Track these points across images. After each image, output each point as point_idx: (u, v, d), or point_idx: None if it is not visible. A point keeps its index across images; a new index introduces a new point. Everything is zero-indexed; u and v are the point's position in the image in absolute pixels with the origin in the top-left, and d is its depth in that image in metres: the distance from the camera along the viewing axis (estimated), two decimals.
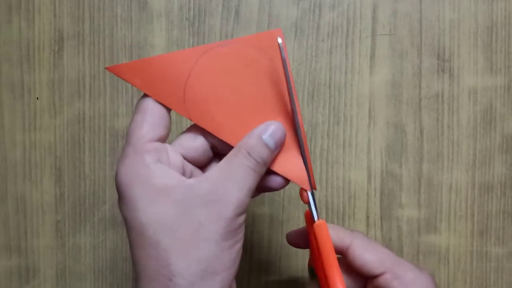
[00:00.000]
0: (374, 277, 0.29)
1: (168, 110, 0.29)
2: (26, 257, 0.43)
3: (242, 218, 0.26)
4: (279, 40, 0.28)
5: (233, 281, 0.27)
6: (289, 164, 0.29)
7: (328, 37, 0.42)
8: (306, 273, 0.42)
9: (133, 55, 0.42)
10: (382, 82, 0.41)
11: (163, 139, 0.28)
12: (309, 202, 0.29)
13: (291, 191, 0.41)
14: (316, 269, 0.30)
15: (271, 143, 0.28)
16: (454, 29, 0.41)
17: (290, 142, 0.29)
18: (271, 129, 0.28)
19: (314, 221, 0.29)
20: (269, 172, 0.29)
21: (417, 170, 0.41)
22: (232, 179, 0.26)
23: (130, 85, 0.42)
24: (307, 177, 0.29)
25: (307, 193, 0.29)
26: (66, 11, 0.42)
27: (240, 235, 0.27)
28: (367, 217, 0.41)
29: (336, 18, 0.42)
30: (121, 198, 0.27)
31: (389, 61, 0.41)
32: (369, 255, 0.29)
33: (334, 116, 0.42)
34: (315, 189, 0.30)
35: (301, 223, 0.41)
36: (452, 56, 0.41)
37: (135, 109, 0.28)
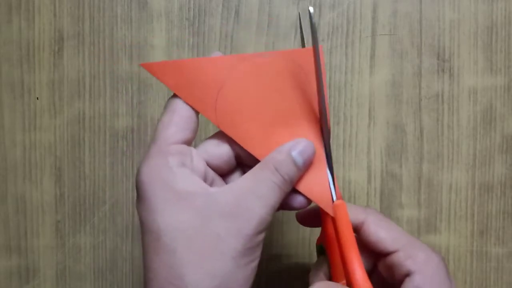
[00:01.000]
0: (387, 254, 0.28)
1: (197, 113, 0.28)
2: (26, 257, 0.43)
3: (262, 236, 0.26)
4: (311, 10, 0.26)
5: None
6: (314, 184, 0.28)
7: (328, 37, 0.42)
8: (307, 274, 0.42)
9: (133, 55, 0.42)
10: (382, 82, 0.41)
11: (189, 142, 0.28)
12: (329, 182, 0.29)
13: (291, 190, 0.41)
14: (327, 247, 0.30)
15: (300, 161, 0.27)
16: (454, 29, 0.41)
17: (316, 160, 0.28)
18: (302, 146, 0.27)
19: (332, 200, 0.29)
20: (291, 190, 0.28)
21: (417, 170, 0.41)
22: (256, 194, 0.25)
23: (130, 85, 0.42)
24: (331, 200, 0.28)
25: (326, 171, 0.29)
26: (66, 11, 0.42)
27: (258, 253, 0.26)
28: None
29: (336, 18, 0.42)
30: (140, 198, 0.26)
31: (389, 61, 0.41)
32: (383, 232, 0.29)
33: (334, 116, 0.42)
34: (340, 199, 0.29)
35: None
36: (452, 56, 0.41)
37: (164, 109, 0.28)
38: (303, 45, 0.31)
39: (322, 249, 0.31)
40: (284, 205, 0.28)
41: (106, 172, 0.42)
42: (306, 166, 0.28)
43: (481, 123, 0.41)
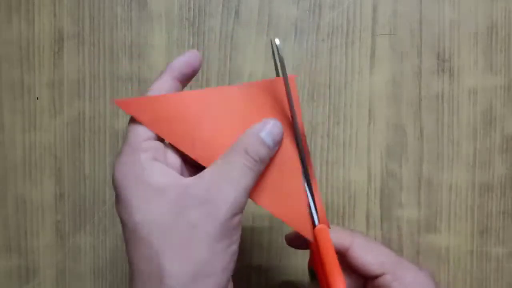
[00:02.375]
0: (374, 277, 0.29)
1: None
2: (26, 257, 0.43)
3: (237, 218, 0.26)
4: (277, 42, 0.27)
5: (229, 283, 0.26)
6: (293, 211, 0.28)
7: (328, 37, 0.42)
8: (306, 274, 0.42)
9: (133, 55, 0.42)
10: (382, 82, 0.41)
11: (162, 138, 0.28)
12: (309, 206, 0.29)
13: None
14: (316, 270, 0.30)
15: (269, 141, 0.27)
16: (454, 29, 0.41)
17: (293, 184, 0.29)
18: (270, 126, 0.28)
19: (314, 225, 0.29)
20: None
21: (417, 170, 0.41)
22: (227, 178, 0.26)
23: (130, 85, 0.42)
24: (310, 225, 0.29)
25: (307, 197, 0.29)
26: (66, 11, 0.42)
27: (235, 237, 0.26)
28: (367, 217, 0.41)
29: (336, 18, 0.42)
30: (117, 197, 0.27)
31: (389, 61, 0.41)
32: (369, 256, 0.29)
33: (334, 116, 0.42)
34: (329, 227, 0.29)
35: None
36: (452, 56, 0.41)
37: None
38: (277, 72, 0.32)
39: (313, 272, 0.31)
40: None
41: (106, 172, 0.42)
42: (277, 145, 0.28)
43: (481, 123, 0.41)
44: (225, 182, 0.25)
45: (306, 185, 0.29)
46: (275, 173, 0.28)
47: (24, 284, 0.43)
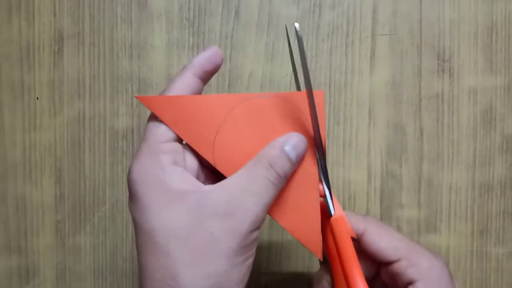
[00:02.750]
0: (389, 263, 0.28)
1: None
2: (26, 257, 0.42)
3: (256, 234, 0.25)
4: (297, 26, 0.26)
5: None
6: (303, 224, 0.28)
7: (328, 37, 0.42)
8: (306, 274, 0.42)
9: (133, 55, 0.42)
10: (382, 82, 0.41)
11: (181, 140, 0.27)
12: (325, 196, 0.29)
13: None
14: (328, 257, 0.30)
15: (293, 156, 0.27)
16: (454, 29, 0.41)
17: (309, 201, 0.28)
18: (294, 140, 0.27)
19: (330, 215, 0.29)
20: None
21: (417, 170, 0.41)
22: (250, 192, 0.25)
23: (130, 85, 0.42)
24: (320, 243, 0.28)
25: (323, 186, 0.29)
26: (66, 11, 0.42)
27: (253, 251, 0.26)
28: None
29: (336, 18, 0.42)
30: (133, 198, 0.26)
31: (389, 61, 0.41)
32: (383, 241, 0.28)
33: (334, 116, 0.42)
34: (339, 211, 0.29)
35: None
36: (452, 56, 0.41)
37: None
38: (292, 63, 0.31)
39: (324, 258, 0.31)
40: None
41: (106, 172, 0.42)
42: (298, 162, 0.27)
43: (481, 123, 0.41)
44: (247, 195, 0.25)
45: (322, 176, 0.29)
46: (293, 188, 0.28)
47: (24, 284, 0.43)
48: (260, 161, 0.26)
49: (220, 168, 0.27)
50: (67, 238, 0.42)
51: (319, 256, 0.28)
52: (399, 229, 0.41)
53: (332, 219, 0.28)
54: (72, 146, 0.42)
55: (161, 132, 0.26)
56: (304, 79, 0.27)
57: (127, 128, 0.42)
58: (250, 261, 0.25)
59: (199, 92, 0.28)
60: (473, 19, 0.41)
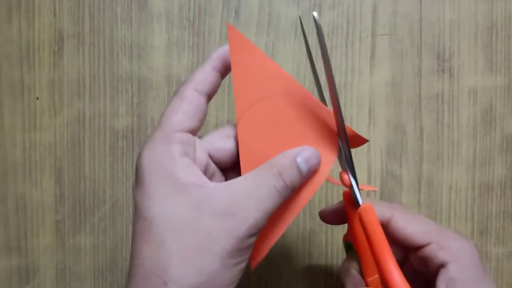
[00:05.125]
0: (419, 248, 0.28)
1: (207, 102, 0.28)
2: (26, 257, 0.43)
3: (253, 239, 0.25)
4: (315, 16, 0.26)
5: None
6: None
7: (328, 37, 0.42)
8: (306, 273, 0.42)
9: (133, 55, 0.42)
10: (382, 82, 0.41)
11: (195, 132, 0.27)
12: (351, 186, 0.29)
13: None
14: (355, 244, 0.30)
15: (304, 169, 0.27)
16: (454, 29, 0.41)
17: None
18: (307, 154, 0.27)
19: (358, 205, 0.28)
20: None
21: (417, 170, 0.41)
22: (254, 196, 0.25)
23: (130, 85, 0.42)
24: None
25: (348, 176, 0.29)
26: (66, 11, 0.42)
27: (247, 256, 0.26)
28: None
29: (336, 18, 0.42)
30: (138, 182, 0.25)
31: (389, 61, 0.41)
32: (412, 226, 0.28)
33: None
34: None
35: (301, 223, 0.41)
36: (452, 56, 0.41)
37: (174, 94, 0.27)
38: (308, 51, 0.31)
39: (350, 245, 0.31)
40: None
41: (106, 172, 0.42)
42: (309, 176, 0.27)
43: (481, 123, 0.41)
44: (251, 200, 0.25)
45: (347, 166, 0.29)
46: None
47: (24, 284, 0.43)
48: (270, 168, 0.26)
49: (240, 129, 0.28)
50: (67, 238, 0.42)
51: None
52: None
53: (361, 208, 0.28)
54: (72, 146, 0.42)
55: (177, 121, 0.26)
56: (324, 67, 0.27)
57: (127, 128, 0.42)
58: (242, 265, 0.25)
59: (218, 85, 0.29)
60: (473, 19, 0.41)
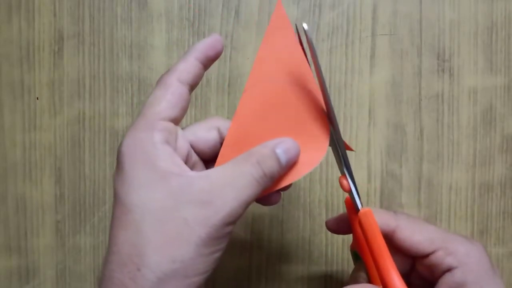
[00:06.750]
0: (425, 256, 0.28)
1: (189, 92, 0.28)
2: (26, 257, 0.43)
3: (229, 228, 0.25)
4: (305, 26, 0.26)
5: (203, 286, 0.26)
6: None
7: (328, 37, 0.42)
8: (306, 274, 0.42)
9: (133, 55, 0.42)
10: (382, 82, 0.41)
11: (177, 121, 0.27)
12: (351, 191, 0.29)
13: (291, 191, 0.41)
14: (361, 253, 0.30)
15: (283, 159, 0.27)
16: (454, 29, 0.41)
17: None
18: (287, 145, 0.27)
19: (358, 210, 0.28)
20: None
21: (417, 170, 0.41)
22: (232, 185, 0.25)
23: (130, 85, 0.42)
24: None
25: (347, 181, 0.29)
26: (66, 11, 0.42)
27: (223, 245, 0.26)
28: None
29: (336, 18, 0.42)
30: (119, 169, 0.26)
31: (389, 61, 0.41)
32: (417, 235, 0.28)
33: None
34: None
35: (301, 223, 0.41)
36: (452, 56, 0.41)
37: (158, 83, 0.28)
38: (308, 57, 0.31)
39: (357, 255, 0.31)
40: (261, 199, 0.28)
41: (106, 172, 0.42)
42: (288, 167, 0.27)
43: (481, 123, 0.41)
44: (229, 188, 0.25)
45: (346, 171, 0.29)
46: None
47: (24, 284, 0.43)
48: (249, 157, 0.26)
49: (242, 101, 0.28)
50: (67, 238, 0.42)
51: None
52: None
53: (360, 213, 0.28)
54: (72, 146, 0.42)
55: (160, 109, 0.26)
56: (317, 79, 0.27)
57: (127, 128, 0.42)
58: (218, 254, 0.25)
59: (201, 76, 0.29)
60: (473, 19, 0.41)
